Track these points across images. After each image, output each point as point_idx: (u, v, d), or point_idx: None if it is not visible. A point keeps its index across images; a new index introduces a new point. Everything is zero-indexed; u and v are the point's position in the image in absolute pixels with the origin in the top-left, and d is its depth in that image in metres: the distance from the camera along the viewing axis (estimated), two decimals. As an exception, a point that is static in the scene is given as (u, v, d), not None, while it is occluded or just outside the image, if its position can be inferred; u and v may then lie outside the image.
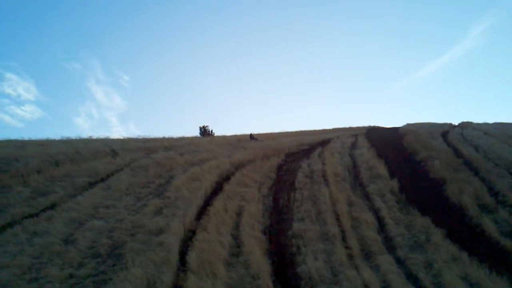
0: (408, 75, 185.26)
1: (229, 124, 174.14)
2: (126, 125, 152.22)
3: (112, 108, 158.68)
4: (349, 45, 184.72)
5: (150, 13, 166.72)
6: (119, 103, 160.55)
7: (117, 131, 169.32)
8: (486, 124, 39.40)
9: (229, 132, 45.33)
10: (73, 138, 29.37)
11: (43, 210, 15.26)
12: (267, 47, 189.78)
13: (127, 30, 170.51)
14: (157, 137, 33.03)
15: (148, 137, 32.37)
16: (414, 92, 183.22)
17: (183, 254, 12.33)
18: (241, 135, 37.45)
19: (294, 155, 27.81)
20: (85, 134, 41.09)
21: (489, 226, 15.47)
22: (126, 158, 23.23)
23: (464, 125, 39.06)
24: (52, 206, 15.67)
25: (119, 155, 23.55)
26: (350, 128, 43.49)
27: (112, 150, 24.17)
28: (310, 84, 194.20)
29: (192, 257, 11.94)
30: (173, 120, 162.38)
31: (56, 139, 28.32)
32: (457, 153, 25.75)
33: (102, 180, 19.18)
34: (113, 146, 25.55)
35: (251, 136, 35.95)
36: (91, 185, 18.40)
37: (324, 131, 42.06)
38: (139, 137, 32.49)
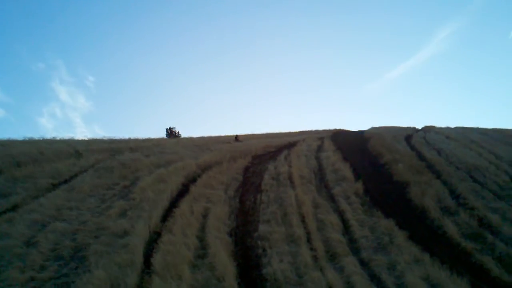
0: (374, 79, 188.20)
1: (196, 126, 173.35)
2: (91, 126, 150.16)
3: (77, 109, 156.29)
4: (316, 50, 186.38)
5: (115, 13, 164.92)
6: (83, 104, 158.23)
7: (82, 132, 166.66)
8: (448, 128, 40.28)
9: (196, 134, 45.10)
10: (36, 138, 28.75)
11: (4, 212, 14.90)
12: (233, 49, 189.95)
13: (93, 30, 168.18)
14: (122, 138, 32.64)
15: (114, 138, 31.95)
16: (379, 96, 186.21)
17: (147, 256, 12.22)
18: (207, 137, 37.38)
19: (261, 157, 27.87)
20: (48, 135, 40.35)
21: (451, 228, 15.84)
22: (90, 159, 22.89)
23: (427, 129, 39.84)
24: (14, 208, 15.32)
25: (83, 156, 23.19)
26: (316, 131, 43.83)
27: (76, 151, 23.79)
28: (277, 87, 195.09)
29: (157, 259, 11.86)
30: (139, 121, 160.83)
31: (19, 139, 27.68)
32: (420, 156, 26.25)
33: (66, 181, 18.86)
34: (77, 147, 25.12)
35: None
36: (54, 186, 18.08)
37: (290, 134, 42.30)
38: (104, 138, 32.04)
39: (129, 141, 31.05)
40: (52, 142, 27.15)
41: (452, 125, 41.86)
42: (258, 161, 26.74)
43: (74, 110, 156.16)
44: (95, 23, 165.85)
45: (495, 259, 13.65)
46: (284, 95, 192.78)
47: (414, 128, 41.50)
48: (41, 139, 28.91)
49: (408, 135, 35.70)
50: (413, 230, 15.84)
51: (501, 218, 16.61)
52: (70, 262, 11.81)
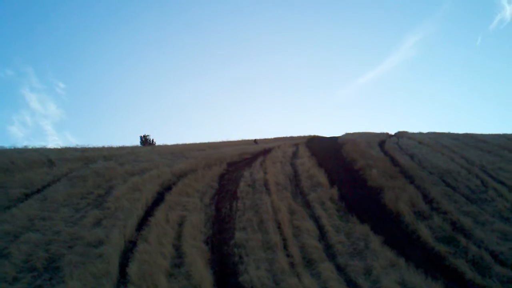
0: (345, 85, 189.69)
1: (171, 133, 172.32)
2: (63, 134, 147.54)
3: (48, 116, 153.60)
4: (290, 54, 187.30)
5: (85, 20, 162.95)
6: (54, 111, 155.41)
7: (53, 140, 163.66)
8: (420, 133, 40.84)
9: (170, 142, 44.81)
10: (7, 147, 28.22)
11: (-25, 223, 14.58)
12: (204, 56, 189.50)
13: (63, 36, 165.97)
14: (96, 146, 32.15)
15: (87, 147, 31.46)
16: (351, 101, 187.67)
17: (123, 266, 12.12)
18: (182, 144, 37.21)
19: (236, 164, 27.87)
20: (20, 144, 39.53)
21: (425, 232, 16.07)
22: (63, 168, 22.53)
23: (400, 135, 40.36)
24: (-16, 219, 15.00)
25: (56, 165, 22.80)
26: (291, 138, 44.02)
27: (49, 160, 23.39)
28: (251, 93, 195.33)
29: (132, 269, 11.76)
30: (113, 129, 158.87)
31: (-12, 149, 27.12)
32: (393, 161, 26.58)
33: (38, 191, 18.50)
34: (50, 155, 24.70)
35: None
36: (27, 196, 17.73)
37: (265, 141, 42.38)
38: (77, 147, 31.49)
39: (102, 149, 30.66)
40: (24, 151, 26.66)
41: (425, 131, 42.51)
42: (233, 168, 26.73)
43: (45, 118, 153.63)
44: (65, 29, 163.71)
45: (468, 262, 13.91)
46: (258, 102, 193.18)
47: (387, 134, 41.99)
48: (12, 148, 28.38)
49: (382, 140, 36.11)
50: (388, 235, 16.03)
51: (473, 222, 16.95)
52: (44, 273, 11.62)
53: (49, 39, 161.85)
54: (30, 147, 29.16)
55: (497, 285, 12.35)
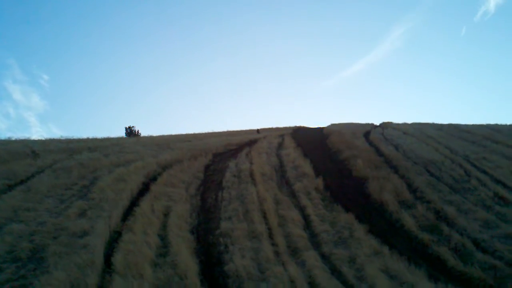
0: (331, 76, 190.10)
1: (156, 124, 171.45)
2: (47, 126, 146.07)
3: (31, 108, 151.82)
4: (275, 46, 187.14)
5: (69, 10, 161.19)
6: (38, 103, 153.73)
7: (37, 132, 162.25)
8: (405, 124, 41.16)
9: (156, 133, 44.59)
10: (-10, 139, 27.98)
11: (-43, 215, 14.44)
12: (192, 46, 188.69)
13: (47, 28, 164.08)
14: (80, 138, 32.04)
15: (71, 138, 31.33)
16: (338, 92, 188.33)
17: (108, 256, 12.08)
18: (168, 136, 37.08)
19: (222, 155, 27.87)
20: (3, 135, 39.19)
21: (408, 221, 16.26)
22: (47, 159, 22.37)
23: (385, 125, 40.61)
24: (-32, 210, 14.85)
25: (40, 157, 22.63)
26: (277, 129, 44.06)
27: (33, 152, 23.20)
28: (237, 84, 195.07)
29: (117, 259, 11.72)
30: (97, 120, 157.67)
31: (-29, 140, 26.86)
32: (378, 152, 26.77)
33: (22, 182, 18.36)
34: (34, 147, 24.52)
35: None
36: (10, 187, 17.57)
37: (251, 132, 42.36)
38: (61, 138, 31.36)
39: (87, 140, 30.52)
40: (7, 143, 26.46)
41: (409, 121, 42.89)
42: (219, 159, 26.72)
43: (28, 110, 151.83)
44: (48, 21, 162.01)
45: (451, 250, 14.10)
46: (244, 93, 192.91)
47: (372, 125, 42.25)
48: (-4, 139, 28.14)
49: (367, 131, 36.32)
50: (372, 224, 16.19)
51: (457, 210, 17.17)
52: (28, 263, 11.53)
53: (33, 31, 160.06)
54: (13, 139, 29.00)
55: (478, 272, 12.53)
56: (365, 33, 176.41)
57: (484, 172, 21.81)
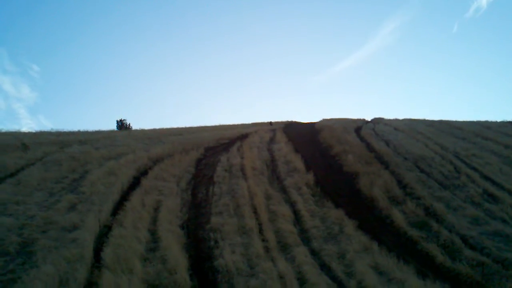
0: (323, 72, 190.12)
1: (148, 118, 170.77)
2: (37, 118, 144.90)
3: (21, 100, 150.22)
4: (267, 42, 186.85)
5: (60, 1, 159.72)
6: (28, 94, 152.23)
7: (27, 124, 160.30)
8: (396, 120, 41.33)
9: (147, 126, 44.46)
10: (-20, 131, 27.79)
11: None
12: (185, 41, 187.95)
13: (37, 18, 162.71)
14: (71, 130, 31.84)
15: (62, 131, 31.13)
16: (330, 87, 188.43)
17: (98, 251, 12.05)
18: (159, 129, 36.97)
19: (214, 149, 27.85)
20: (-8, 127, 38.79)
21: (398, 217, 16.35)
22: (38, 152, 22.24)
23: (376, 121, 40.76)
24: (-44, 203, 14.75)
25: (30, 149, 22.51)
26: (269, 123, 44.06)
27: (23, 144, 23.07)
28: (229, 79, 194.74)
29: (107, 253, 11.71)
30: (89, 113, 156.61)
31: (-40, 132, 26.67)
32: (369, 147, 26.88)
33: (12, 175, 18.24)
34: (24, 139, 24.39)
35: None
36: (0, 180, 17.50)
37: (243, 126, 42.32)
38: (52, 131, 31.17)
39: (78, 133, 30.38)
40: (-3, 135, 26.30)
41: (400, 117, 43.06)
42: (210, 153, 26.70)
43: (18, 101, 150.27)
44: (38, 11, 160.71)
45: (439, 246, 14.19)
46: (236, 88, 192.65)
47: (363, 120, 42.39)
48: (-15, 131, 27.96)
49: (358, 127, 36.43)
50: (362, 220, 16.24)
51: (446, 207, 17.27)
52: (17, 257, 11.47)
53: (22, 21, 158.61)
54: (3, 131, 28.80)
55: (466, 269, 12.62)
56: (356, 28, 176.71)
57: (474, 168, 21.95)
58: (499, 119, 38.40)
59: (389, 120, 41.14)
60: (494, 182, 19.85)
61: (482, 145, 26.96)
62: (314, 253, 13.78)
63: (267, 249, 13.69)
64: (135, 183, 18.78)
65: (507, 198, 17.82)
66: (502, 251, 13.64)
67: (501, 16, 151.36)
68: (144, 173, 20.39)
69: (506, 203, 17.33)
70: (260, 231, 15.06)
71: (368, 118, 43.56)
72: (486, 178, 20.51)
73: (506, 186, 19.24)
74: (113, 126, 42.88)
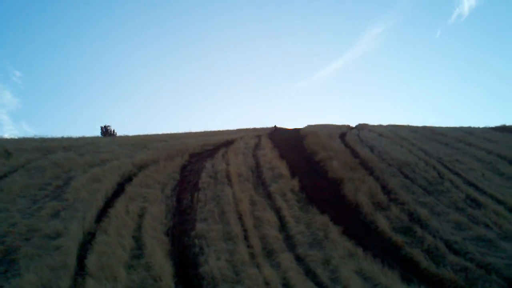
0: (307, 77, 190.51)
1: (132, 124, 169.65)
2: (19, 124, 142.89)
3: (3, 105, 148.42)
4: (251, 47, 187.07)
5: (42, 6, 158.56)
6: (10, 100, 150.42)
7: (10, 130, 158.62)
8: (380, 126, 41.55)
9: (132, 132, 44.19)
10: (-39, 138, 27.44)
11: None
12: (169, 46, 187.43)
13: (19, 23, 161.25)
14: (55, 137, 31.57)
15: (45, 137, 30.84)
16: (314, 93, 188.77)
17: (81, 258, 11.97)
18: (144, 135, 36.81)
19: (198, 155, 27.75)
20: (-26, 134, 38.34)
21: (382, 223, 16.44)
22: (20, 159, 22.01)
23: (361, 127, 40.94)
24: None
25: (13, 156, 22.27)
26: (254, 129, 43.98)
27: (5, 151, 22.81)
28: (214, 84, 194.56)
29: (91, 261, 11.63)
30: (72, 119, 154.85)
31: None
32: (354, 153, 26.99)
33: (-6, 182, 18.07)
34: (6, 146, 24.13)
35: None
36: (-19, 187, 17.28)
37: (228, 132, 42.26)
38: (35, 137, 30.88)
39: (62, 140, 30.11)
40: (-21, 142, 25.99)
41: (385, 123, 43.31)
42: (195, 159, 26.62)
43: (0, 107, 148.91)
44: (20, 16, 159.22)
45: (423, 251, 14.30)
46: (221, 93, 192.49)
47: (348, 126, 42.55)
48: (-34, 138, 27.63)
49: (343, 133, 36.58)
50: (347, 225, 16.32)
51: (430, 212, 17.41)
52: (-1, 266, 11.37)
53: (4, 26, 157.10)
54: (-15, 138, 28.45)
55: (450, 274, 12.72)
56: (341, 34, 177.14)
57: (457, 174, 22.17)
58: (481, 125, 38.83)
59: (374, 126, 41.35)
60: (477, 188, 20.06)
61: (465, 150, 27.25)
62: (299, 259, 13.80)
63: (252, 256, 13.69)
64: (119, 189, 18.66)
65: (490, 203, 18.00)
66: (485, 256, 13.77)
67: (483, 23, 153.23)
68: (128, 179, 20.27)
69: (488, 208, 17.51)
70: (245, 237, 15.06)
71: (353, 124, 43.79)
72: (469, 183, 20.71)
73: (488, 192, 19.45)
74: (97, 133, 42.57)
